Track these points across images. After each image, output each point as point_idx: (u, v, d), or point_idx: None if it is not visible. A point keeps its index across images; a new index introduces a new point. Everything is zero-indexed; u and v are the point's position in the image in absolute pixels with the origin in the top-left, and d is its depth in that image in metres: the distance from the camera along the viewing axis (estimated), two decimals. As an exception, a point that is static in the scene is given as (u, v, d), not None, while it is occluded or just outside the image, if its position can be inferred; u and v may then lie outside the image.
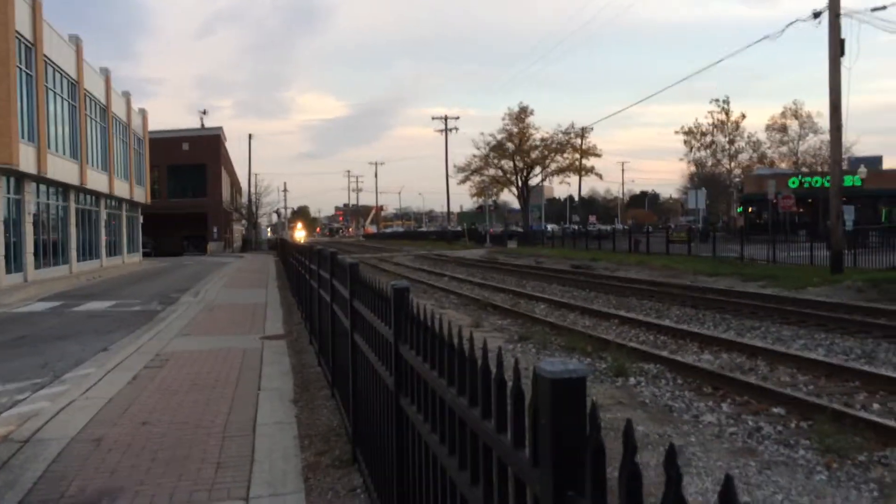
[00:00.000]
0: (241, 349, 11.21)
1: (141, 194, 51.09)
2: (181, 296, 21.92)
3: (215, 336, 12.84)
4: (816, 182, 51.62)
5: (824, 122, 60.42)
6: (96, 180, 38.56)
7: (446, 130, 76.65)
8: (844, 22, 21.42)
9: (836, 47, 21.42)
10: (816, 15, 22.00)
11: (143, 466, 5.59)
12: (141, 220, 52.59)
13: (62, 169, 32.50)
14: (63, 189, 34.11)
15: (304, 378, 8.98)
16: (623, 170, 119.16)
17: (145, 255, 53.86)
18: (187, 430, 6.62)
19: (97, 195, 40.08)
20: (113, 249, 44.39)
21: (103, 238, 41.39)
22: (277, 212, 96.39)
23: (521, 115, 71.73)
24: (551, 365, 1.45)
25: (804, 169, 64.36)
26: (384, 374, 3.76)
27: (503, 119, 72.95)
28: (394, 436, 3.44)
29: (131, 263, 46.08)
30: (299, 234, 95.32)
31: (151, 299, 21.41)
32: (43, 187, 31.62)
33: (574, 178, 74.63)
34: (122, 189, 44.88)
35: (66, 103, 34.24)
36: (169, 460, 5.73)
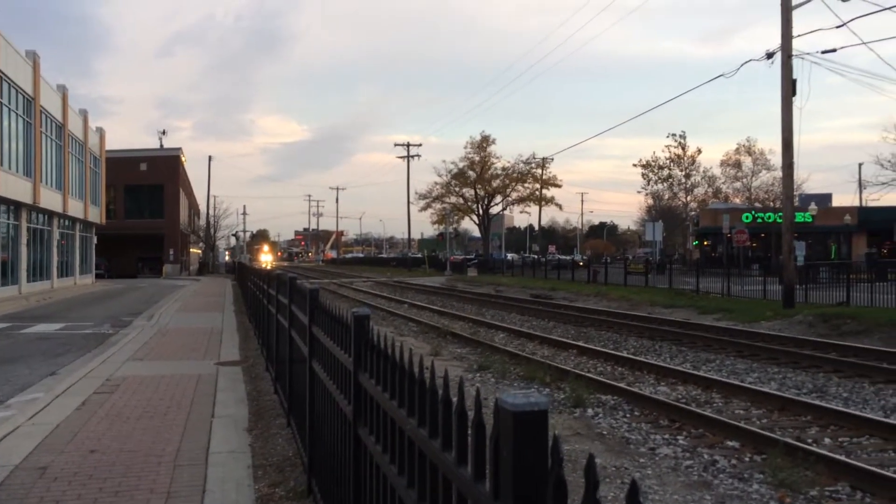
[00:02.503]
0: (196, 375, 10.98)
1: (96, 214, 50.12)
2: (134, 319, 21.46)
3: (169, 361, 12.57)
4: (769, 217, 52.95)
5: (776, 158, 62.18)
6: (50, 199, 37.74)
7: (408, 157, 76.90)
8: (796, 63, 22.13)
9: (789, 87, 22.08)
10: (770, 55, 22.68)
11: (89, 497, 5.40)
12: (95, 240, 51.53)
13: (14, 186, 31.74)
14: (14, 207, 33.29)
15: (259, 405, 8.82)
16: (582, 200, 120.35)
17: (98, 276, 52.69)
18: (137, 458, 6.44)
19: (50, 214, 39.20)
20: (65, 270, 43.35)
21: (55, 258, 40.42)
22: (236, 235, 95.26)
23: (483, 143, 72.46)
24: (513, 397, 1.44)
25: (757, 204, 65.93)
26: (342, 403, 3.71)
27: (465, 147, 73.64)
28: (351, 466, 3.38)
29: (84, 285, 45.02)
30: (265, 257, 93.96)
31: (103, 322, 20.92)
32: (-7, 205, 30.86)
33: (534, 208, 75.33)
34: (76, 208, 43.97)
35: (20, 119, 33.55)
36: (117, 490, 5.56)
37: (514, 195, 73.33)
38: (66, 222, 43.63)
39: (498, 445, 1.48)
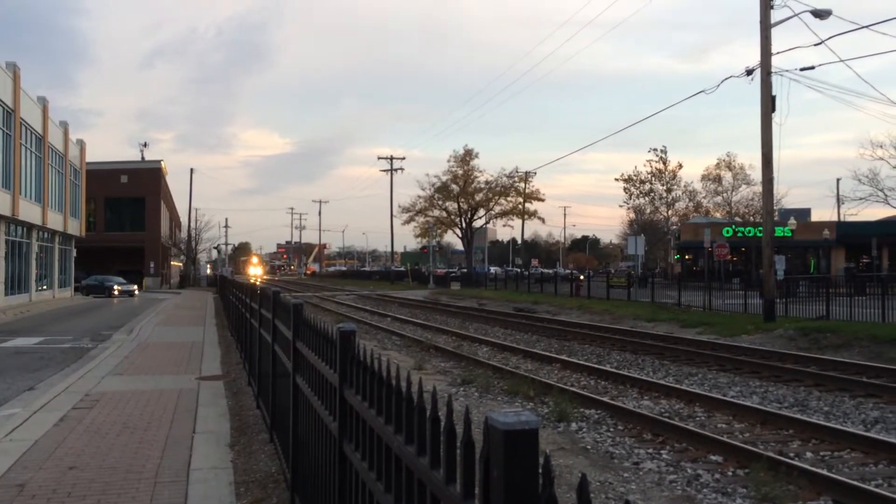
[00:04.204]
0: (176, 390, 10.87)
1: (75, 226, 49.65)
2: (114, 333, 21.24)
3: (149, 376, 12.43)
4: (749, 232, 53.40)
5: (756, 173, 62.88)
6: (29, 211, 37.35)
7: (391, 170, 76.92)
8: (775, 80, 22.40)
9: (768, 103, 22.34)
10: (749, 72, 22.96)
11: (67, 514, 5.31)
12: (74, 253, 51.01)
13: (-7, 199, 31.42)
14: (-7, 219, 32.94)
15: (241, 421, 8.74)
16: (565, 214, 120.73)
17: (78, 289, 52.15)
18: (117, 475, 6.35)
19: (29, 226, 38.79)
20: (43, 283, 42.84)
21: (34, 271, 39.93)
22: (218, 248, 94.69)
23: (467, 157, 72.57)
24: (504, 416, 1.44)
25: (737, 219, 66.58)
26: (327, 419, 3.68)
27: (448, 161, 73.50)
28: (336, 483, 3.35)
29: (63, 298, 44.52)
30: (254, 269, 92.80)
31: (83, 336, 20.68)
32: (-29, 217, 30.49)
33: (517, 222, 75.44)
34: (55, 221, 43.54)
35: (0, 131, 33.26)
36: (96, 507, 5.47)
37: (497, 209, 73.49)
38: (46, 235, 43.17)
39: (488, 464, 1.47)
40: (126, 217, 66.10)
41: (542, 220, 77.69)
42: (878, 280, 27.74)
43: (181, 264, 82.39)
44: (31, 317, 29.16)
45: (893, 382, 12.28)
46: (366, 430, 2.78)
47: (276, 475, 6.35)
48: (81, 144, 52.26)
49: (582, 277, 44.11)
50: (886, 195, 48.61)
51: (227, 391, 10.84)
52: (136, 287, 52.52)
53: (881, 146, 47.99)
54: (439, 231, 76.65)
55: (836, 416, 10.19)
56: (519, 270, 69.31)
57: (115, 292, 48.98)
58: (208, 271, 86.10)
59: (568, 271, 68.40)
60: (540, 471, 1.38)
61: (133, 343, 17.76)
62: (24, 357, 15.86)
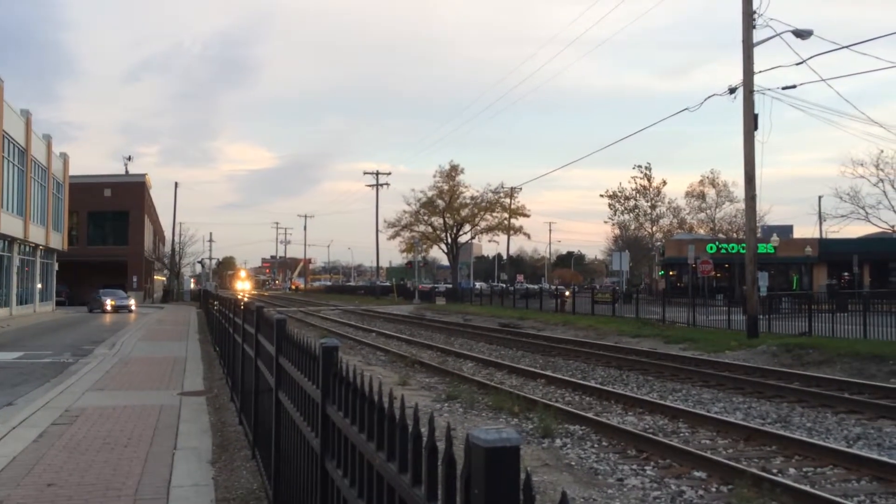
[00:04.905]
0: (158, 406, 10.76)
1: (58, 240, 49.24)
2: (95, 348, 21.02)
3: (130, 391, 12.30)
4: (732, 248, 53.78)
5: (739, 190, 63.37)
6: (10, 224, 37.01)
7: (377, 185, 76.98)
8: (758, 98, 22.66)
9: (750, 122, 22.57)
10: (732, 90, 23.22)
11: (44, 532, 5.23)
12: (56, 267, 50.54)
13: (-26, 212, 31.12)
14: (-27, 233, 32.61)
15: (223, 437, 8.66)
16: (550, 230, 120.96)
17: (59, 303, 51.60)
18: (96, 492, 6.26)
19: (10, 240, 38.42)
20: (24, 297, 42.40)
21: (15, 285, 39.52)
22: (202, 262, 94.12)
23: (452, 172, 72.69)
24: (485, 433, 1.43)
25: (721, 235, 67.03)
26: (309, 436, 3.65)
27: (434, 176, 73.53)
28: (318, 501, 3.32)
29: (44, 312, 44.06)
30: (242, 284, 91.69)
31: (63, 351, 20.45)
32: (-49, 230, 30.16)
33: (503, 237, 75.63)
34: (37, 234, 43.17)
35: (-18, 144, 33.02)
36: (74, 525, 5.39)
37: (483, 224, 73.56)
38: (27, 248, 42.77)
39: (469, 482, 1.46)
40: (109, 231, 65.60)
41: (528, 235, 77.96)
42: (860, 297, 28.00)
43: (164, 279, 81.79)
44: (11, 331, 28.82)
45: (875, 399, 12.38)
46: (348, 447, 2.76)
47: (257, 492, 6.29)
48: (65, 157, 51.95)
49: (567, 293, 44.23)
50: (867, 213, 49.22)
51: (209, 407, 10.74)
52: (133, 301, 48.99)
53: (862, 164, 48.64)
54: (425, 246, 76.58)
55: (818, 432, 10.24)
56: (504, 286, 69.37)
57: (108, 307, 45.84)
58: (192, 286, 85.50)
59: (553, 287, 68.55)
60: (521, 488, 1.38)
61: (115, 358, 17.58)
62: (3, 372, 15.65)
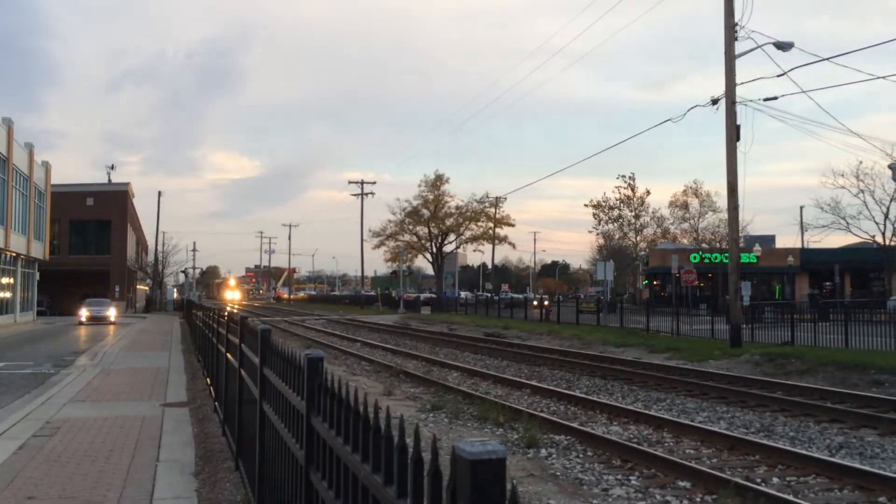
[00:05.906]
0: (140, 417, 10.66)
1: (39, 250, 48.77)
2: (77, 358, 20.81)
3: (112, 402, 12.18)
4: (716, 258, 54.11)
5: (722, 201, 63.68)
6: (-9, 234, 36.65)
7: (362, 194, 76.90)
8: (740, 109, 22.88)
9: (733, 132, 22.78)
10: (715, 101, 23.42)
11: (24, 546, 5.16)
12: (38, 276, 50.03)
13: (-47, 221, 30.77)
14: (-47, 242, 32.24)
15: (206, 449, 8.59)
16: (535, 240, 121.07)
17: (40, 313, 51.03)
18: (77, 504, 6.18)
19: (-9, 249, 38.04)
20: (5, 307, 41.92)
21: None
22: (185, 271, 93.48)
23: (437, 182, 72.69)
24: (471, 445, 1.43)
25: (704, 245, 67.43)
26: (294, 447, 3.63)
27: (419, 185, 73.40)
28: (302, 513, 3.30)
29: (24, 322, 43.56)
30: (232, 293, 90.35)
31: (44, 361, 20.22)
32: (-70, 239, 29.81)
33: (488, 247, 75.70)
34: (18, 244, 42.73)
35: (-37, 153, 32.70)
36: (54, 539, 5.32)
37: (468, 234, 73.53)
38: (8, 258, 42.33)
39: (455, 494, 1.46)
40: (91, 240, 65.03)
41: (513, 245, 78.01)
42: (842, 306, 28.25)
43: (147, 288, 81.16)
44: (-9, 342, 28.45)
45: (857, 408, 12.48)
46: (333, 458, 2.75)
47: (241, 504, 6.24)
48: (47, 166, 51.52)
49: (547, 302, 44.33)
50: (848, 223, 49.55)
51: (192, 418, 10.66)
52: (112, 311, 44.68)
53: (842, 175, 48.99)
54: (410, 256, 76.47)
55: (801, 441, 10.30)
56: (489, 295, 69.46)
57: (82, 319, 41.81)
58: (175, 295, 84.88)
59: (538, 296, 68.69)
60: (507, 499, 1.38)
61: (96, 369, 17.41)
62: (-18, 383, 15.45)
